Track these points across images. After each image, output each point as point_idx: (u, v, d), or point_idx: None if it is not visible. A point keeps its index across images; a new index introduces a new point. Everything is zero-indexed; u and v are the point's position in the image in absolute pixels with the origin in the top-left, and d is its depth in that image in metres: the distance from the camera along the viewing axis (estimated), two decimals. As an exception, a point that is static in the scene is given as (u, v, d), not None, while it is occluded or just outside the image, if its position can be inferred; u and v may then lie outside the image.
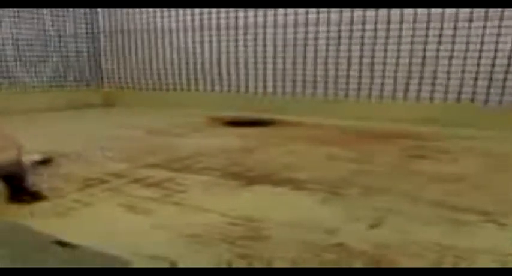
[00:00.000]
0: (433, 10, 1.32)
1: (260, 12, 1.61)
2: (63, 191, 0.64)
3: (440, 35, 1.33)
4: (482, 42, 1.28)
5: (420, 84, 1.40)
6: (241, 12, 1.64)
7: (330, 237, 0.47)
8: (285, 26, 1.57)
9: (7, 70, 1.74)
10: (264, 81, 1.68)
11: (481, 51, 1.28)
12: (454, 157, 0.91)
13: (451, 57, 1.33)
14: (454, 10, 1.29)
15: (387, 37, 1.41)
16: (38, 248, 0.43)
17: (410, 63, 1.39)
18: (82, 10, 1.99)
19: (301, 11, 1.53)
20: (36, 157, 0.77)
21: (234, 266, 0.40)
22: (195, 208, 0.57)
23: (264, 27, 1.62)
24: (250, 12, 1.62)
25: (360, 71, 1.48)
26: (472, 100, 1.32)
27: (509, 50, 1.25)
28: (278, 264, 0.41)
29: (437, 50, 1.35)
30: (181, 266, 0.40)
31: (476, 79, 1.30)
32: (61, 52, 1.93)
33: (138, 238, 0.47)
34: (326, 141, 1.09)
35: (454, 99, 1.35)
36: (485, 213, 0.55)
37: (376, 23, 1.41)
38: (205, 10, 1.72)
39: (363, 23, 1.43)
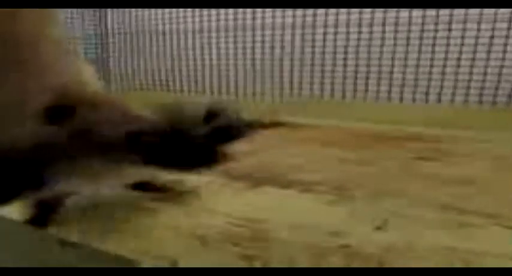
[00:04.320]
0: (441, 11, 1.31)
1: (268, 13, 1.61)
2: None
3: (448, 37, 1.33)
4: (490, 44, 1.27)
5: (428, 86, 1.39)
6: (248, 14, 1.64)
7: (335, 239, 0.47)
8: (293, 27, 1.57)
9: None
10: (271, 83, 1.67)
11: (489, 52, 1.28)
12: (463, 159, 0.90)
13: (459, 59, 1.32)
14: (462, 11, 1.28)
15: (395, 38, 1.40)
16: (41, 247, 0.43)
17: (417, 65, 1.39)
18: (91, 11, 2.00)
19: (308, 12, 1.53)
20: None
21: (238, 266, 0.40)
22: (200, 209, 0.57)
23: (273, 28, 1.62)
24: (258, 13, 1.62)
25: (368, 72, 1.48)
26: (481, 102, 1.31)
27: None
28: (282, 265, 0.41)
29: (446, 52, 1.34)
30: (182, 266, 0.40)
31: (484, 81, 1.30)
32: (70, 53, 1.95)
33: (141, 238, 0.47)
34: (333, 143, 1.08)
35: (463, 101, 1.34)
36: (493, 216, 0.54)
37: (384, 25, 1.41)
38: (213, 12, 1.73)
39: (371, 25, 1.43)
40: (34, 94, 0.35)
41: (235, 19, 1.69)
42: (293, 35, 1.59)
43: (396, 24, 1.39)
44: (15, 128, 0.36)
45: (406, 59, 1.41)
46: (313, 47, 1.56)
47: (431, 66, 1.37)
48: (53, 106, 0.36)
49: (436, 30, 1.34)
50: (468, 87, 1.33)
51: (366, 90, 1.49)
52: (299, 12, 1.55)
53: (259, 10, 1.62)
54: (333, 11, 1.48)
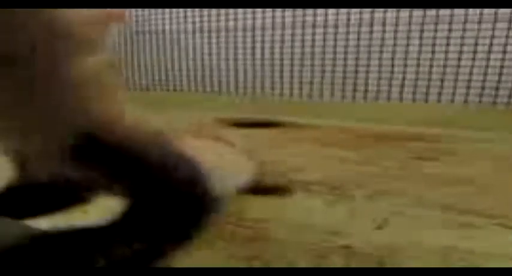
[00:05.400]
0: (442, 11, 1.31)
1: (268, 13, 1.60)
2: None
3: (448, 38, 1.32)
4: (491, 44, 1.27)
5: (428, 86, 1.39)
6: (249, 14, 1.64)
7: (335, 239, 0.47)
8: (293, 27, 1.57)
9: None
10: (272, 82, 1.67)
11: (489, 52, 1.27)
12: (463, 159, 0.90)
13: (459, 59, 1.32)
14: (462, 11, 1.28)
15: (395, 38, 1.40)
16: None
17: (417, 65, 1.39)
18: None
19: (308, 12, 1.53)
20: None
21: (237, 266, 0.40)
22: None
23: (272, 29, 1.61)
24: (258, 13, 1.62)
25: (367, 72, 1.48)
26: (481, 102, 1.31)
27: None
28: (282, 265, 0.41)
29: (446, 52, 1.34)
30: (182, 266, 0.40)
31: (484, 81, 1.29)
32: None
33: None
34: (334, 143, 1.08)
35: (463, 101, 1.34)
36: (493, 216, 0.54)
37: (384, 24, 1.41)
38: (214, 12, 1.73)
39: (371, 25, 1.43)
40: (64, 131, 0.34)
41: (235, 19, 1.69)
42: (293, 35, 1.59)
43: (396, 24, 1.39)
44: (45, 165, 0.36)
45: (406, 59, 1.41)
46: (313, 47, 1.56)
47: (431, 66, 1.37)
48: (82, 145, 0.35)
49: (436, 30, 1.34)
50: (468, 87, 1.33)
51: (366, 90, 1.49)
52: (299, 12, 1.55)
53: (259, 10, 1.62)
54: (333, 11, 1.48)
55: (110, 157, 0.35)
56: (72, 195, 0.41)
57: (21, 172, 0.39)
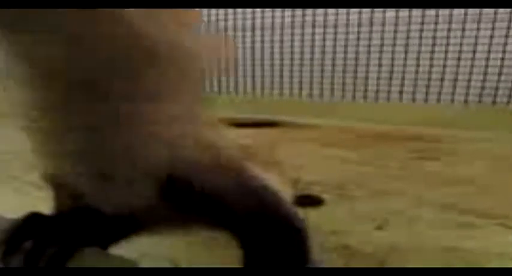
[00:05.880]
0: (441, 11, 1.31)
1: (268, 13, 1.60)
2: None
3: (447, 38, 1.33)
4: (490, 44, 1.27)
5: (428, 86, 1.39)
6: (249, 14, 1.64)
7: (336, 239, 0.47)
8: (292, 27, 1.57)
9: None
10: (272, 82, 1.67)
11: (489, 52, 1.27)
12: (463, 159, 0.90)
13: (459, 59, 1.32)
14: (462, 11, 1.28)
15: (395, 38, 1.40)
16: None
17: (417, 65, 1.39)
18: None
19: (308, 12, 1.53)
20: None
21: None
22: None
23: (272, 28, 1.61)
24: (258, 13, 1.62)
25: (367, 72, 1.48)
26: (480, 102, 1.31)
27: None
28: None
29: (446, 52, 1.34)
30: (183, 266, 0.40)
31: (484, 81, 1.30)
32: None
33: (141, 238, 0.47)
34: (334, 143, 1.08)
35: (463, 101, 1.34)
36: (493, 216, 0.54)
37: (383, 24, 1.41)
38: (213, 12, 1.72)
39: (371, 25, 1.43)
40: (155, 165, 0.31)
41: (235, 19, 1.68)
42: (293, 35, 1.58)
43: (396, 24, 1.39)
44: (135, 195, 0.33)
45: (405, 59, 1.40)
46: (312, 47, 1.56)
47: (431, 66, 1.37)
48: (170, 181, 0.32)
49: (435, 30, 1.34)
50: (468, 87, 1.33)
51: (366, 90, 1.49)
52: (299, 12, 1.55)
53: (259, 10, 1.62)
54: (332, 11, 1.48)
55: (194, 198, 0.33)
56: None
57: (74, 202, 0.36)
